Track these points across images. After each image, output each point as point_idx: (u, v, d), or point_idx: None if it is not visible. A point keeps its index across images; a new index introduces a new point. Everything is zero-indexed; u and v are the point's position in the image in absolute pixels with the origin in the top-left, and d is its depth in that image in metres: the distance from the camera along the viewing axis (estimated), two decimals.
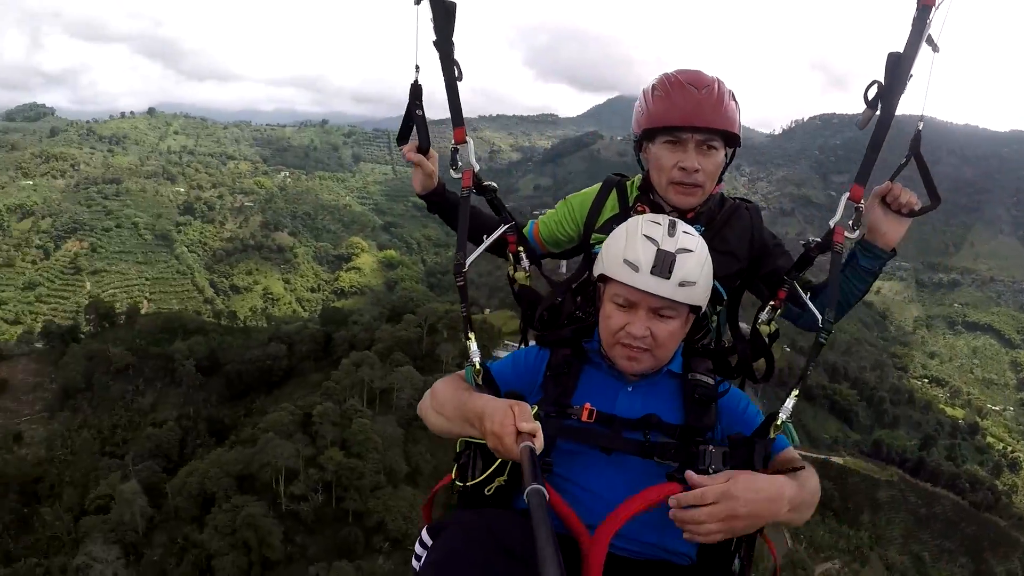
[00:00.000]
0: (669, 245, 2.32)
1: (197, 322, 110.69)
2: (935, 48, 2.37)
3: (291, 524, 62.17)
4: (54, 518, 69.97)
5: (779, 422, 2.29)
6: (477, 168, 2.85)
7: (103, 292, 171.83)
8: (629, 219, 2.60)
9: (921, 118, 2.64)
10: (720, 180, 3.03)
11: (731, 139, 2.91)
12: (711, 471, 2.15)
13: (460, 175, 2.82)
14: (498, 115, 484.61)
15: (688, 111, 2.77)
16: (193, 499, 62.66)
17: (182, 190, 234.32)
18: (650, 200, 3.02)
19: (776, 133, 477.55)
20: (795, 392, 2.33)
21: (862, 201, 2.56)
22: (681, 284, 2.29)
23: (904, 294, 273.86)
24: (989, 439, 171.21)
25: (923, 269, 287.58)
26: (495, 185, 3.04)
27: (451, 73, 2.68)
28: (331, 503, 64.62)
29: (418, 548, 2.09)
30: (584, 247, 3.17)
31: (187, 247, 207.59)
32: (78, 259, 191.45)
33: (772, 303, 2.74)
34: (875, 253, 2.78)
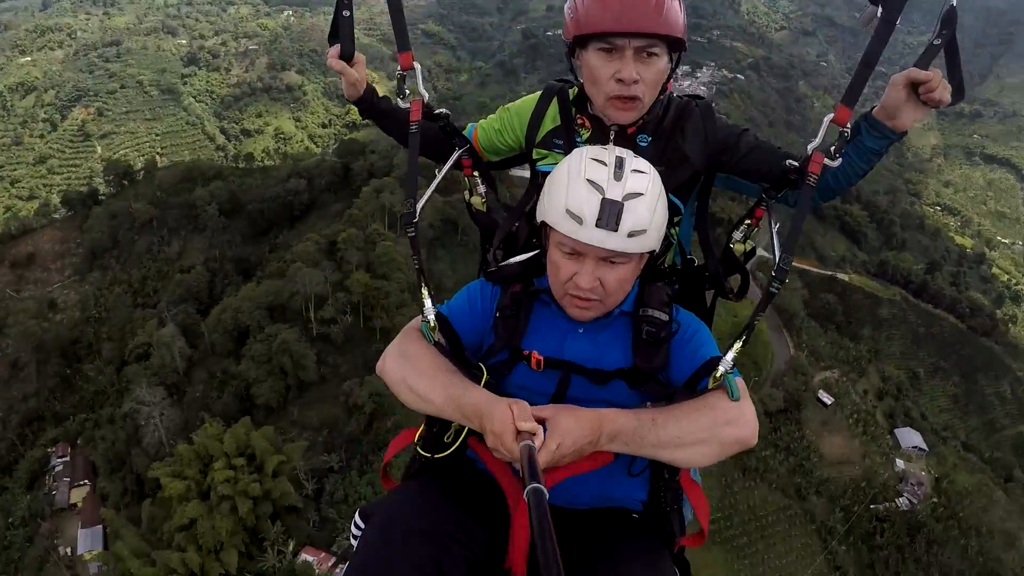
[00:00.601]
0: (616, 192, 2.15)
1: (215, 168, 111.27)
2: None
3: (322, 346, 66.20)
4: (97, 373, 74.18)
5: (718, 374, 2.22)
6: (427, 97, 2.60)
7: (115, 154, 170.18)
8: (571, 155, 2.37)
9: None
10: (664, 89, 2.75)
11: (675, 44, 2.62)
12: None
13: (408, 105, 2.60)
14: None
15: (623, 14, 2.47)
16: (228, 334, 66.64)
17: (184, 42, 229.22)
18: (589, 114, 2.83)
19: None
20: (738, 344, 2.26)
21: (847, 127, 2.29)
22: (631, 235, 2.15)
23: (923, 121, 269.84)
24: (995, 270, 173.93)
25: None
26: (447, 111, 2.85)
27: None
28: (359, 323, 68.52)
29: (353, 529, 2.17)
30: (528, 160, 3.04)
31: (194, 98, 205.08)
32: (86, 125, 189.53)
33: (748, 222, 2.69)
34: (883, 134, 2.47)
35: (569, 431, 1.98)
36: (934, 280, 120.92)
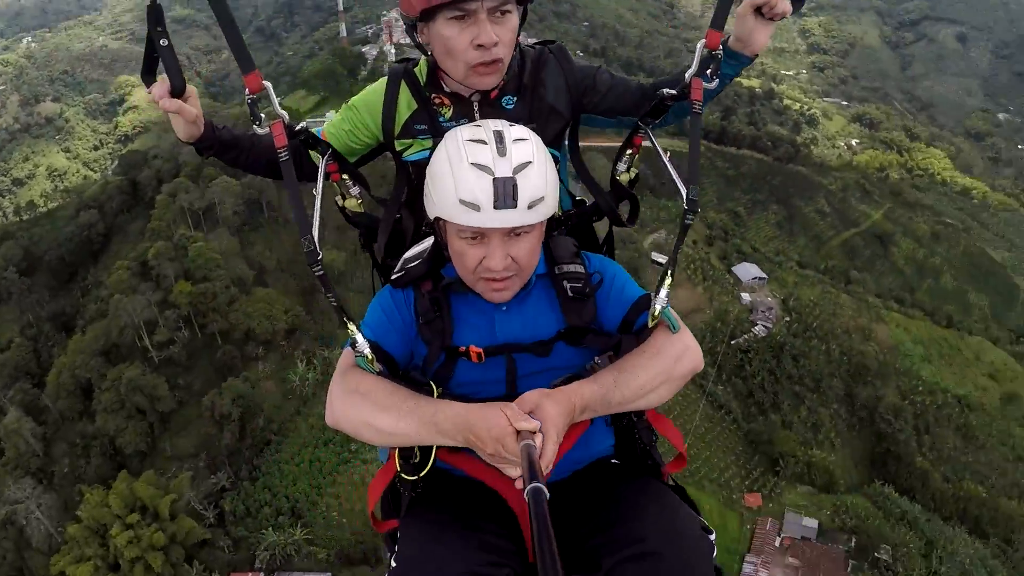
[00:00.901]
0: (504, 168, 2.08)
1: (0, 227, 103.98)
2: None
3: (169, 370, 63.95)
4: None
5: (656, 312, 2.24)
6: (287, 118, 2.28)
7: None
8: (445, 141, 2.26)
9: None
10: (518, 46, 2.71)
11: None
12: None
13: (267, 130, 2.27)
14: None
15: None
16: (73, 395, 63.31)
17: None
18: (444, 91, 2.71)
19: None
20: (668, 280, 2.26)
21: (720, 49, 2.36)
22: (530, 206, 2.10)
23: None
24: (786, 101, 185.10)
25: None
26: (305, 126, 2.59)
27: (226, 10, 2.04)
28: (196, 334, 66.55)
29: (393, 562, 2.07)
30: (390, 151, 2.92)
31: None
32: None
33: (629, 151, 2.64)
34: (739, 60, 2.58)
35: (556, 417, 1.98)
36: (731, 124, 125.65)
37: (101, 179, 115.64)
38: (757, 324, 74.98)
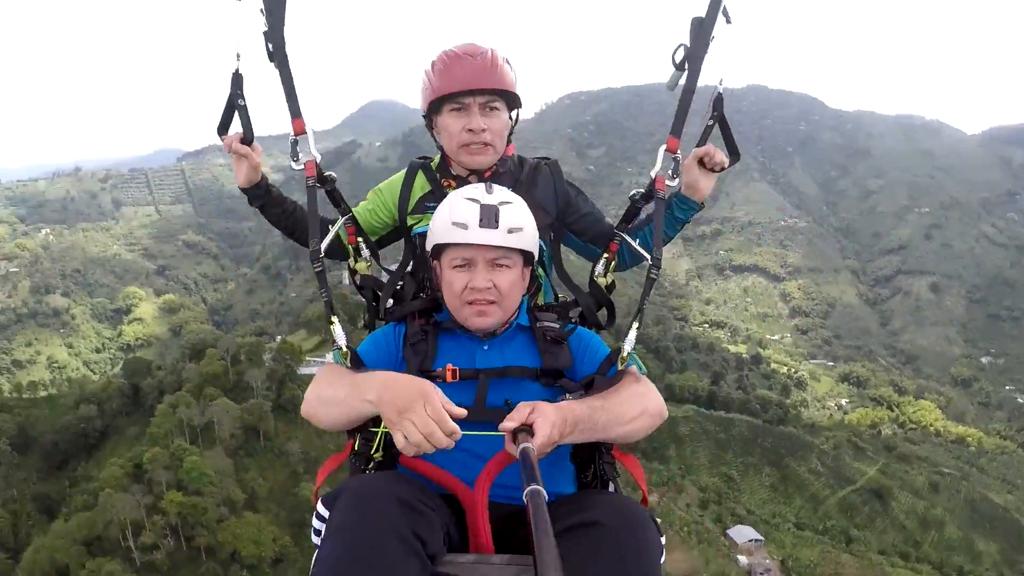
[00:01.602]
0: (491, 200, 2.49)
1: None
2: (728, 19, 2.69)
3: (150, 575, 62.09)
4: None
5: (624, 354, 2.53)
6: (319, 159, 2.82)
7: None
8: (450, 194, 2.68)
9: (720, 82, 2.86)
10: (509, 142, 3.26)
11: (512, 101, 3.13)
12: None
13: (302, 167, 2.79)
14: (271, 135, 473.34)
15: (467, 77, 2.96)
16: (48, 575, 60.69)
17: None
18: (452, 175, 3.20)
19: (529, 117, 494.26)
20: (635, 325, 2.59)
21: (678, 152, 2.84)
22: (510, 231, 2.46)
23: (672, 251, 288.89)
24: (773, 365, 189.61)
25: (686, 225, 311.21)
26: (335, 176, 3.05)
27: (285, 63, 2.68)
28: (182, 545, 64.90)
29: (316, 522, 2.13)
30: (403, 231, 3.33)
31: None
32: None
33: (606, 255, 3.03)
34: (689, 205, 3.14)
35: (551, 413, 2.07)
36: (721, 389, 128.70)
37: (103, 379, 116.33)
38: None
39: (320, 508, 2.09)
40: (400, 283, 3.11)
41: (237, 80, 2.78)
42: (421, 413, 2.03)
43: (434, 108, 3.10)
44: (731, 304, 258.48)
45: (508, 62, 3.06)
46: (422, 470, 2.35)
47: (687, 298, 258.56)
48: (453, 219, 2.47)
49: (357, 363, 2.59)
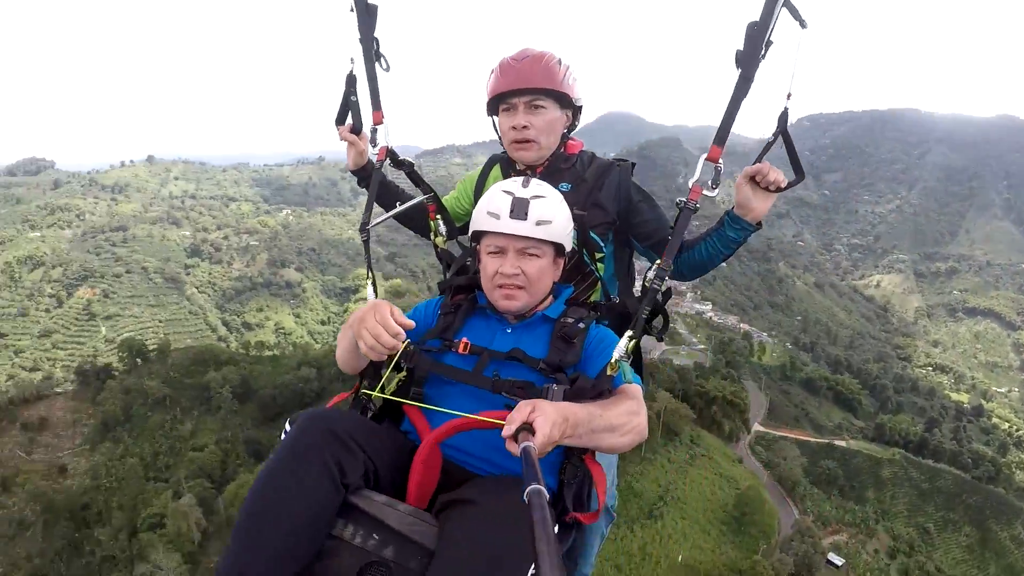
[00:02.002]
0: (524, 193, 2.71)
1: (228, 353, 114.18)
2: (803, 24, 2.61)
3: None
4: (110, 539, 73.80)
5: (613, 361, 2.53)
6: (391, 145, 3.37)
7: (118, 336, 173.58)
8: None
9: (788, 96, 2.80)
10: (566, 138, 3.45)
11: (562, 100, 3.30)
12: None
13: (376, 151, 3.38)
14: (491, 140, 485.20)
15: (512, 79, 3.22)
16: None
17: (187, 233, 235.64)
18: (517, 169, 3.50)
19: (765, 138, 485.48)
20: (629, 333, 2.58)
21: (720, 161, 2.74)
22: (538, 223, 2.67)
23: (904, 286, 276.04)
24: (995, 420, 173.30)
25: (920, 260, 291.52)
26: (411, 161, 3.52)
27: (372, 65, 3.24)
28: None
29: (282, 435, 2.33)
30: None
31: (197, 288, 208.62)
32: (91, 305, 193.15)
33: (659, 262, 2.85)
34: (742, 226, 3.08)
35: (555, 419, 2.08)
36: (933, 437, 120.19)
37: (325, 347, 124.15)
38: None
39: (287, 426, 2.33)
40: (469, 259, 3.41)
41: (351, 80, 3.35)
42: (370, 320, 2.44)
43: (492, 110, 3.43)
44: (959, 349, 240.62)
45: (561, 64, 3.27)
46: (412, 419, 2.66)
47: (913, 337, 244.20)
48: (488, 209, 2.72)
49: None
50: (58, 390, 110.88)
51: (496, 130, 3.49)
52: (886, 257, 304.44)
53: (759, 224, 3.09)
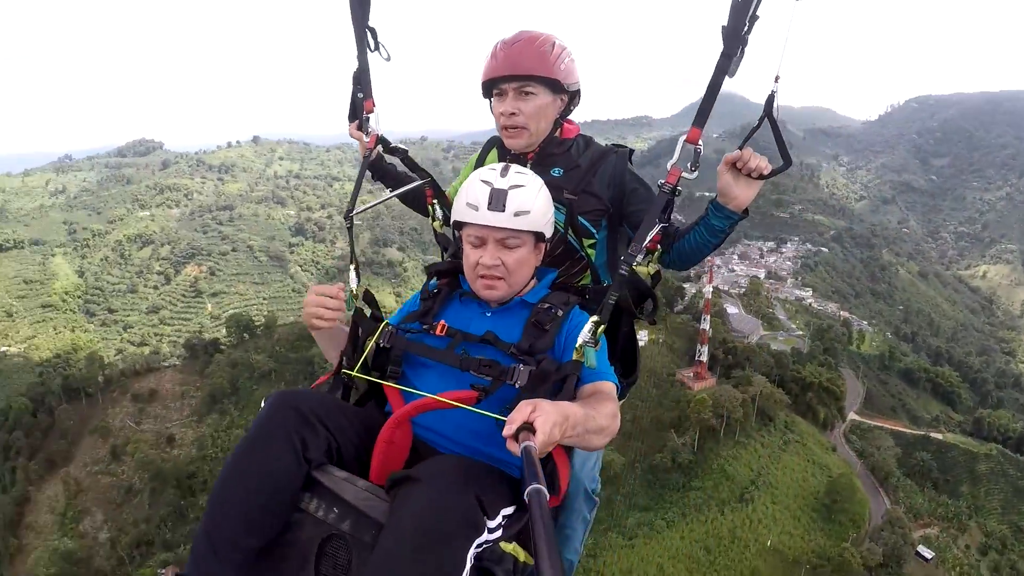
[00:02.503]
0: (502, 184, 2.69)
1: None
2: None
3: None
4: None
5: (578, 344, 2.55)
6: (381, 132, 3.51)
7: (224, 312, 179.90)
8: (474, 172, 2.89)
9: (776, 79, 2.70)
10: (560, 123, 3.41)
11: (554, 85, 3.24)
12: (517, 385, 2.53)
13: (368, 138, 3.47)
14: (592, 120, 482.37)
15: (503, 64, 3.18)
16: None
17: (292, 213, 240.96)
18: (512, 154, 3.48)
19: (872, 119, 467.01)
20: (594, 319, 2.59)
21: (699, 143, 2.69)
22: (516, 214, 2.66)
23: (1011, 277, 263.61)
24: None
25: None
26: (405, 148, 3.64)
27: (363, 53, 3.34)
28: None
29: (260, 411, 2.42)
30: None
31: (300, 267, 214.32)
32: (198, 282, 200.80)
33: (647, 246, 2.91)
34: (725, 214, 2.99)
35: (556, 419, 2.08)
36: None
37: None
38: None
39: (262, 403, 2.43)
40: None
41: (356, 78, 3.46)
42: (310, 298, 2.76)
43: (486, 94, 3.40)
44: None
45: (553, 45, 3.20)
46: (389, 398, 2.77)
47: (1019, 331, 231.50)
48: (467, 200, 2.72)
49: (370, 300, 3.10)
50: (167, 364, 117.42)
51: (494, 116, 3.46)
52: (994, 247, 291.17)
53: (746, 212, 3.03)
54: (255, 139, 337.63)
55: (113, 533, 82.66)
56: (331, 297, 2.76)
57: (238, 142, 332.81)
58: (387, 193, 3.87)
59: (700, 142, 2.70)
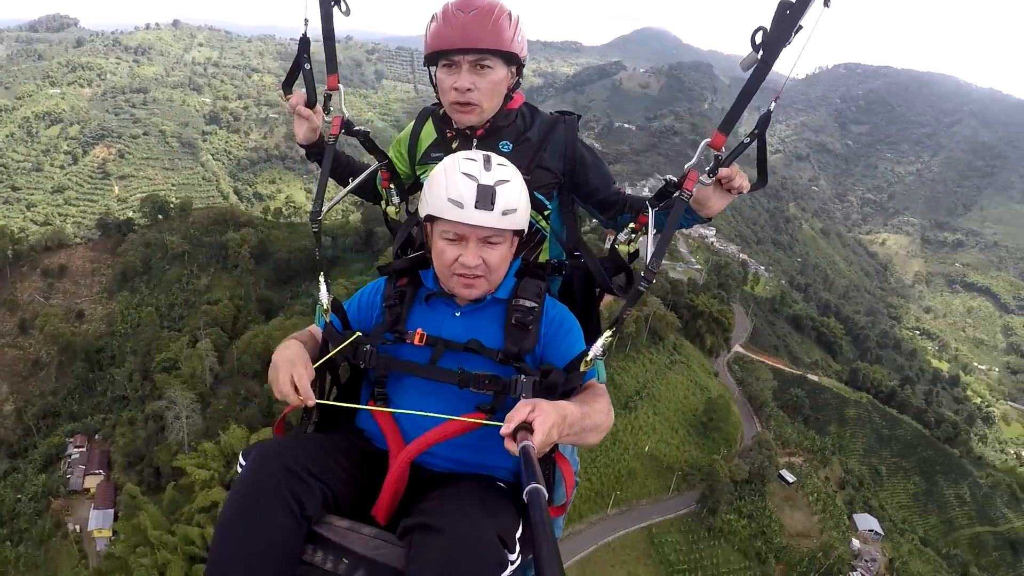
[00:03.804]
0: (488, 179, 2.48)
1: (247, 216, 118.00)
2: (827, 3, 2.17)
3: None
4: (126, 379, 78.24)
5: (589, 358, 2.46)
6: (347, 115, 3.03)
7: (131, 196, 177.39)
8: (445, 159, 2.66)
9: (775, 99, 2.47)
10: (510, 97, 3.13)
11: (510, 58, 2.99)
12: (520, 398, 2.37)
13: (330, 120, 3.01)
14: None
15: (457, 35, 2.85)
16: (257, 357, 70.18)
17: (207, 100, 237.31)
18: (455, 128, 3.19)
19: (799, 78, 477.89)
20: (608, 333, 2.48)
21: (723, 149, 2.50)
22: (504, 213, 2.48)
23: (908, 248, 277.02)
24: (969, 392, 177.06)
25: (930, 227, 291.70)
26: (367, 130, 3.23)
27: (329, 21, 2.82)
28: None
29: (237, 467, 2.31)
30: (417, 180, 3.39)
31: (212, 155, 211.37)
32: (106, 164, 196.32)
33: (633, 225, 2.89)
34: (694, 218, 2.83)
35: (555, 419, 2.09)
36: (904, 392, 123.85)
37: (342, 218, 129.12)
38: (856, 570, 73.82)
39: (241, 459, 2.33)
40: (414, 229, 3.19)
41: (304, 44, 2.97)
42: (283, 378, 2.45)
43: (431, 62, 3.07)
44: (949, 320, 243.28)
45: (511, 18, 2.96)
46: (379, 423, 2.65)
47: (907, 300, 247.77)
48: (449, 195, 2.50)
49: (338, 309, 2.85)
50: (78, 241, 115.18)
51: (432, 83, 3.16)
52: (896, 217, 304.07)
53: (709, 218, 2.87)
54: (175, 23, 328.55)
55: (19, 404, 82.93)
56: (298, 393, 2.45)
57: (157, 24, 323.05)
58: (346, 183, 3.48)
59: (723, 149, 2.53)
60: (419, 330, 2.61)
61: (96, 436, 71.85)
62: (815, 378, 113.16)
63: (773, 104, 2.48)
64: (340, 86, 2.99)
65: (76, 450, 69.97)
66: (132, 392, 76.94)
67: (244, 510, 2.14)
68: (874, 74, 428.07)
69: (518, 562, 2.12)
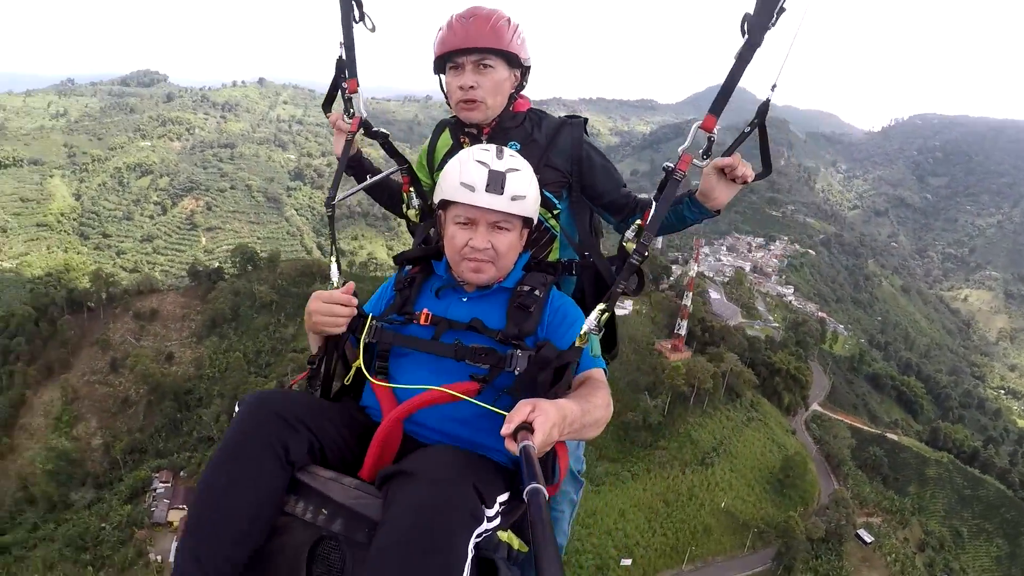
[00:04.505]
0: (499, 166, 2.61)
1: None
2: None
3: None
4: (211, 419, 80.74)
5: (583, 331, 2.46)
6: (364, 115, 3.18)
7: (217, 247, 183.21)
8: (460, 151, 2.82)
9: (773, 87, 2.54)
10: (514, 98, 3.36)
11: (510, 60, 3.21)
12: (516, 372, 2.49)
13: (351, 121, 3.18)
14: (598, 98, 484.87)
15: (459, 38, 3.09)
16: None
17: (292, 157, 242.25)
18: (466, 131, 3.39)
19: (875, 130, 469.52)
20: (601, 306, 2.50)
21: (714, 131, 2.56)
22: (513, 198, 2.59)
23: (991, 304, 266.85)
24: None
25: (1013, 280, 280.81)
26: (387, 132, 3.36)
27: (349, 32, 3.04)
28: None
29: (235, 414, 2.35)
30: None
31: (296, 210, 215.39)
32: (194, 216, 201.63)
33: (639, 222, 2.80)
34: (701, 210, 2.97)
35: (555, 419, 2.08)
36: (987, 451, 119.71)
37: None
38: None
39: (236, 406, 2.39)
40: (431, 230, 3.25)
41: (340, 65, 3.16)
42: (317, 304, 2.70)
43: (439, 69, 3.32)
44: None
45: (509, 22, 3.19)
46: (377, 395, 2.67)
47: (992, 358, 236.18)
48: (462, 179, 2.61)
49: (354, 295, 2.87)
50: (169, 286, 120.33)
51: (442, 89, 3.39)
52: (978, 272, 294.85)
53: (718, 211, 2.99)
54: (261, 81, 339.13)
55: (107, 439, 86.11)
56: (342, 304, 2.71)
57: (243, 82, 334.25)
58: (365, 180, 3.67)
59: (715, 130, 2.58)
60: (425, 310, 2.73)
61: (181, 473, 73.78)
62: (895, 437, 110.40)
63: (772, 92, 2.57)
64: (360, 90, 3.18)
65: (162, 485, 71.92)
66: (218, 433, 78.55)
67: (230, 452, 2.22)
68: (950, 124, 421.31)
69: (496, 522, 2.16)
